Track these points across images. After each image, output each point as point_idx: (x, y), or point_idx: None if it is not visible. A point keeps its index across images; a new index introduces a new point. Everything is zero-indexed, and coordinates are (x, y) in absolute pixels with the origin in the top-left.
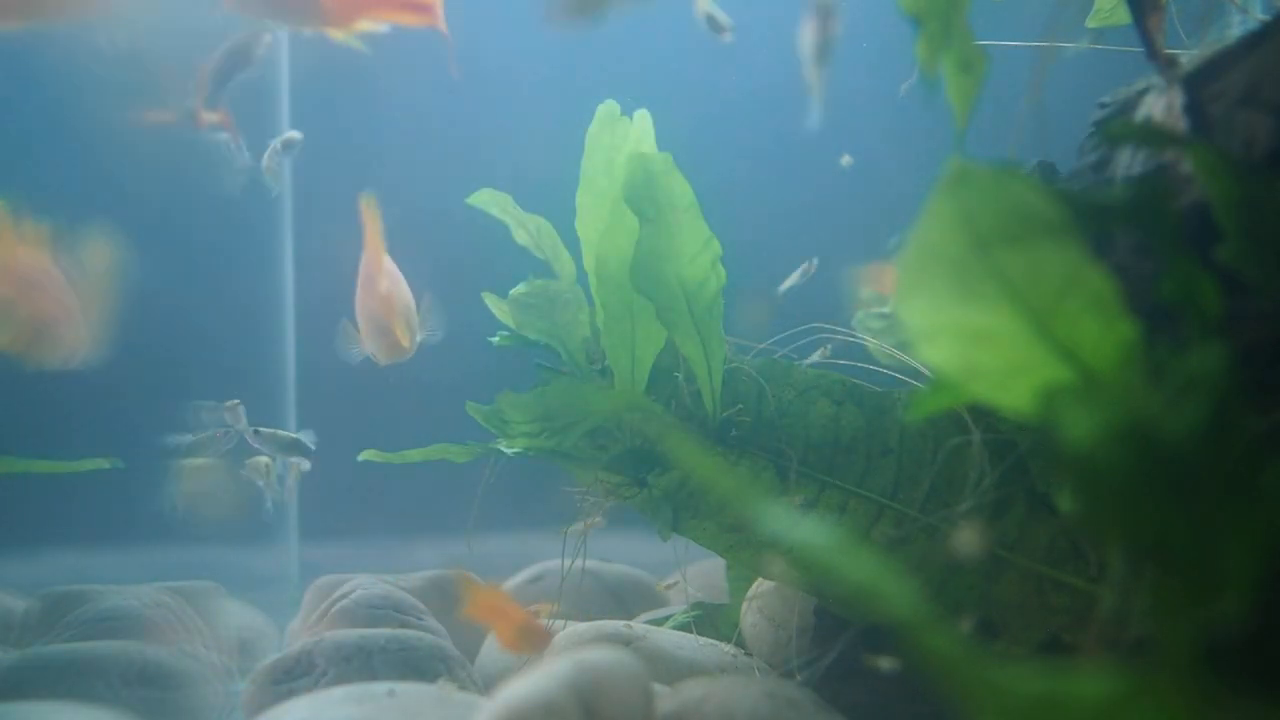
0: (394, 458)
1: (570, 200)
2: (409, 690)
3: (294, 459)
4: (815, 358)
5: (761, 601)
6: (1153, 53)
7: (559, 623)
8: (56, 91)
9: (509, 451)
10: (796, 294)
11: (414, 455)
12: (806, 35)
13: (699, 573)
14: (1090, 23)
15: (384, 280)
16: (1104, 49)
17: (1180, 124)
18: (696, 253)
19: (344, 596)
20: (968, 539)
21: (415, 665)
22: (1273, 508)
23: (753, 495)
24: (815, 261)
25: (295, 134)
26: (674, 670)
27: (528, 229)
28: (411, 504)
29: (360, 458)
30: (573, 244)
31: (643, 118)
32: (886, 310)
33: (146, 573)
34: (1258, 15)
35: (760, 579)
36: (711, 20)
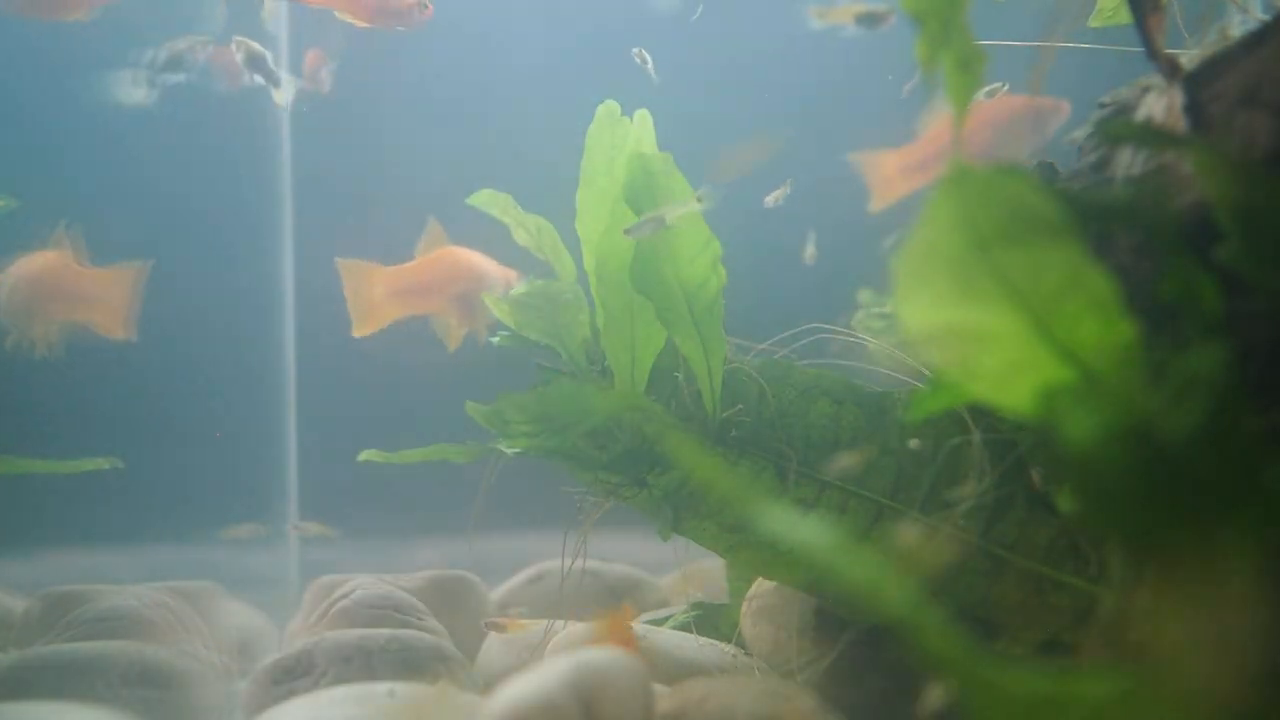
0: (394, 458)
1: (570, 200)
2: (409, 690)
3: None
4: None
5: (761, 601)
6: (1153, 53)
7: (559, 623)
8: (63, 83)
9: (509, 451)
10: (796, 294)
11: (414, 455)
12: None
13: (699, 572)
14: (1093, 22)
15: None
16: (1104, 49)
17: (1180, 124)
18: (696, 253)
19: (344, 596)
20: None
21: (415, 665)
22: (1273, 508)
23: (753, 495)
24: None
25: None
26: (674, 670)
27: (528, 229)
28: (411, 504)
29: (360, 458)
30: (573, 244)
31: (643, 117)
32: (886, 310)
33: (146, 573)
34: (1258, 15)
35: (760, 579)
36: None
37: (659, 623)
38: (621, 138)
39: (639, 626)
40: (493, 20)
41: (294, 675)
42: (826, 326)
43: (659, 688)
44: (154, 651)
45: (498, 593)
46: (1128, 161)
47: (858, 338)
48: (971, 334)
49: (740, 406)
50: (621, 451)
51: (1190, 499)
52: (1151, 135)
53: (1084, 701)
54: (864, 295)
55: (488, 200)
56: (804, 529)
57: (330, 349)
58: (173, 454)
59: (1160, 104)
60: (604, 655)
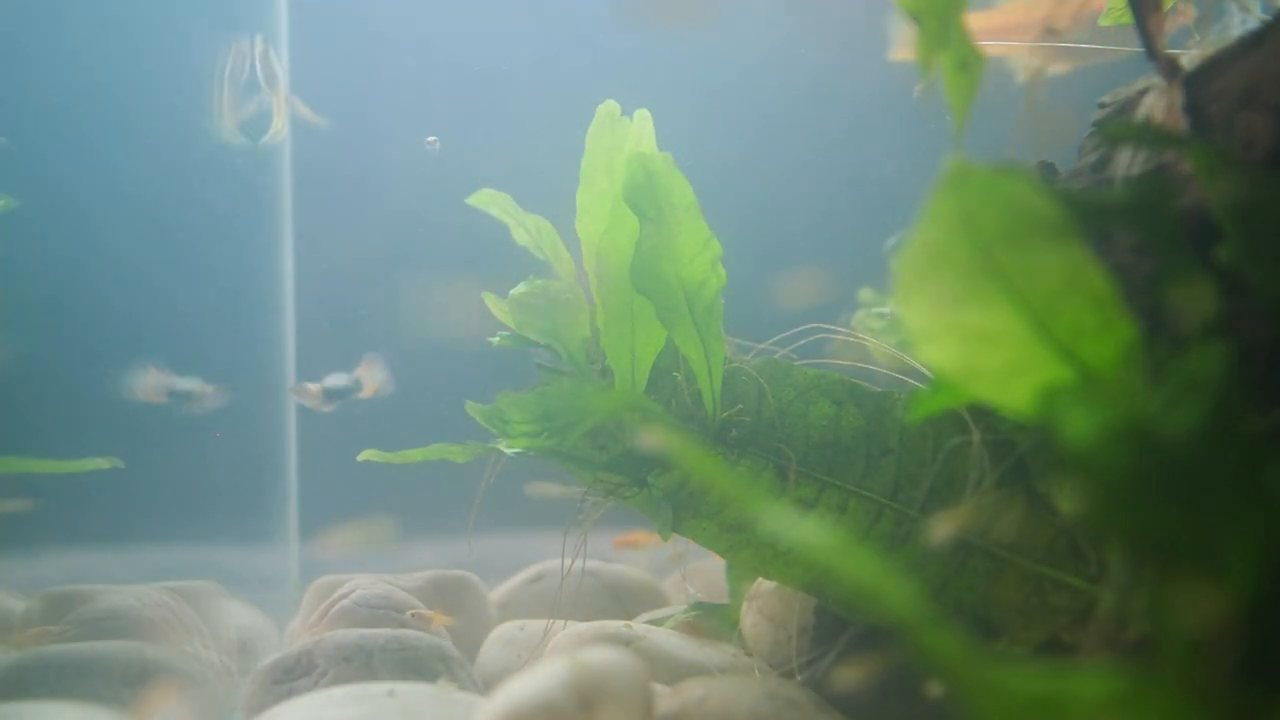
0: (394, 458)
1: (570, 200)
2: (409, 690)
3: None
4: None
5: (761, 601)
6: (1153, 53)
7: (559, 623)
8: (57, 86)
9: (509, 451)
10: (796, 294)
11: (414, 455)
12: None
13: (699, 572)
14: (1102, 21)
15: None
16: (1104, 49)
17: (1180, 124)
18: (696, 253)
19: (344, 596)
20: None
21: (415, 665)
22: (1273, 507)
23: (753, 495)
24: None
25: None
26: (674, 670)
27: (528, 229)
28: (411, 504)
29: (360, 458)
30: (573, 244)
31: (643, 118)
32: (886, 310)
33: (146, 573)
34: (1258, 15)
35: (760, 579)
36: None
37: (659, 623)
38: (621, 138)
39: (639, 626)
40: (493, 20)
41: (294, 675)
42: (826, 326)
43: (659, 688)
44: (154, 651)
45: (498, 593)
46: (1128, 161)
47: (858, 338)
48: (972, 334)
49: (740, 406)
50: (621, 451)
51: (1190, 499)
52: (1151, 135)
53: (1084, 701)
54: (864, 295)
55: (487, 199)
56: (804, 529)
57: (331, 348)
58: (173, 453)
59: (1160, 104)
60: (604, 655)
